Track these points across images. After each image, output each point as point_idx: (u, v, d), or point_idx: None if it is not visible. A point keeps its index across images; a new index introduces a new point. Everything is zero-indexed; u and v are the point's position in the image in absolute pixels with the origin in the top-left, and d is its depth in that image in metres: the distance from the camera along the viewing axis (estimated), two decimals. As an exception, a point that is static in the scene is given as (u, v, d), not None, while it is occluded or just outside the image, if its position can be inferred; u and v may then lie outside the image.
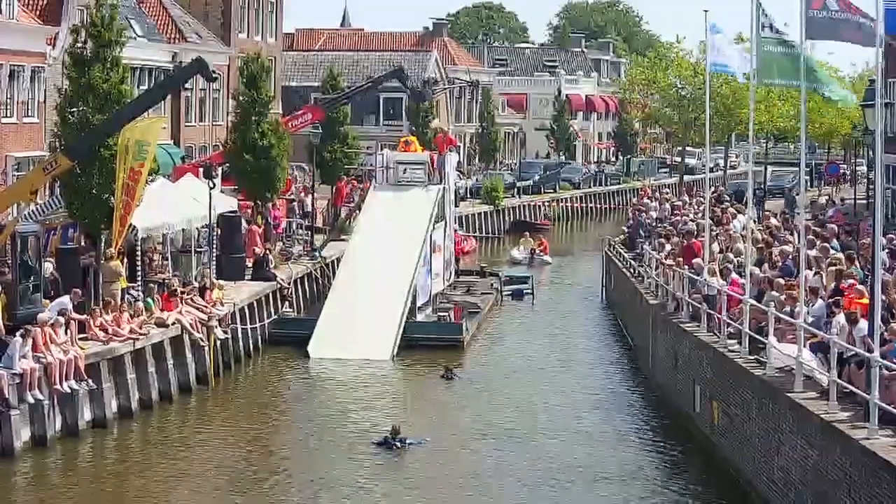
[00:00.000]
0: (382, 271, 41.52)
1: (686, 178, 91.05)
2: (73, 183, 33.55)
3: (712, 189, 58.67)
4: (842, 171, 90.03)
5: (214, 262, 39.59)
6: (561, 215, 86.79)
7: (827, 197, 62.29)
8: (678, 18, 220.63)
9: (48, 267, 33.15)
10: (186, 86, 57.05)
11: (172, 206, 37.94)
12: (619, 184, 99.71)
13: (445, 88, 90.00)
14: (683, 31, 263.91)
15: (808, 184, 77.58)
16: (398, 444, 28.39)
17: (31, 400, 27.66)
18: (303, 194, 56.47)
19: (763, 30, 26.01)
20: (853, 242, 33.35)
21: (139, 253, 35.59)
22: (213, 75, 36.39)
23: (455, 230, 55.48)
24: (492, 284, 51.62)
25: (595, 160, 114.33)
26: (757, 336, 26.09)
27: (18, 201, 36.63)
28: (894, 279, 26.17)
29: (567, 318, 48.87)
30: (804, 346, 23.71)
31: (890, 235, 33.71)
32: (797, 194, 35.20)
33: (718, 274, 31.05)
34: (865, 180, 68.30)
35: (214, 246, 40.10)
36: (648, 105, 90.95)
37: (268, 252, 43.88)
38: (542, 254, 64.64)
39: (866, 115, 24.72)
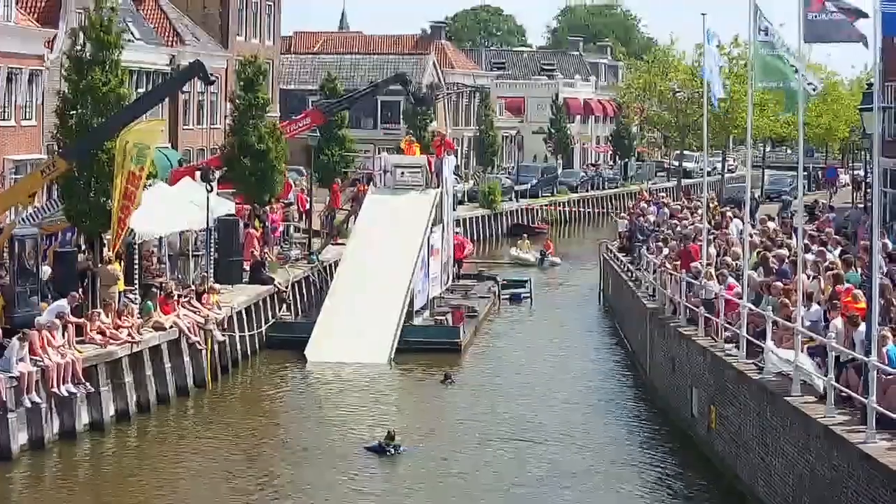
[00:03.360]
0: (380, 275, 41.50)
1: (684, 181, 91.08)
2: (70, 186, 33.54)
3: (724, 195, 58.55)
4: (839, 174, 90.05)
5: (212, 266, 39.61)
6: (559, 219, 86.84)
7: (823, 202, 62.17)
8: (676, 22, 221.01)
9: (46, 270, 33.17)
10: (184, 89, 57.04)
11: (170, 209, 37.93)
12: (616, 187, 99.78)
13: (448, 93, 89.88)
14: (681, 35, 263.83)
15: (806, 188, 77.55)
16: (392, 450, 28.33)
17: (28, 403, 27.62)
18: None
19: (759, 33, 26.02)
20: (851, 246, 33.32)
21: (136, 256, 35.56)
22: (211, 78, 36.44)
23: (457, 233, 55.71)
24: (489, 288, 51.65)
25: (593, 164, 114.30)
26: (754, 340, 26.10)
27: (16, 204, 36.62)
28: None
29: (564, 321, 48.86)
30: (802, 350, 23.70)
31: (885, 241, 33.67)
32: (794, 198, 35.22)
33: (716, 278, 31.04)
34: (863, 184, 68.27)
35: (212, 249, 40.11)
36: (646, 109, 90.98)
37: (265, 255, 43.89)
38: (550, 255, 64.96)
39: (864, 118, 24.74)
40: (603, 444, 30.18)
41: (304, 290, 46.34)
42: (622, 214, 57.31)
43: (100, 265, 33.08)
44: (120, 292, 33.60)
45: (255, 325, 39.68)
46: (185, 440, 30.68)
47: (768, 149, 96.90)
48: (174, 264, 39.94)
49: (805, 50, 25.12)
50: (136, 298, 34.23)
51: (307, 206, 54.20)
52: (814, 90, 27.83)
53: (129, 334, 31.59)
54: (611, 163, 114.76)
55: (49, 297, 31.83)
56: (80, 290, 32.44)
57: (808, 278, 27.32)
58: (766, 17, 26.05)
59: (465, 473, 27.62)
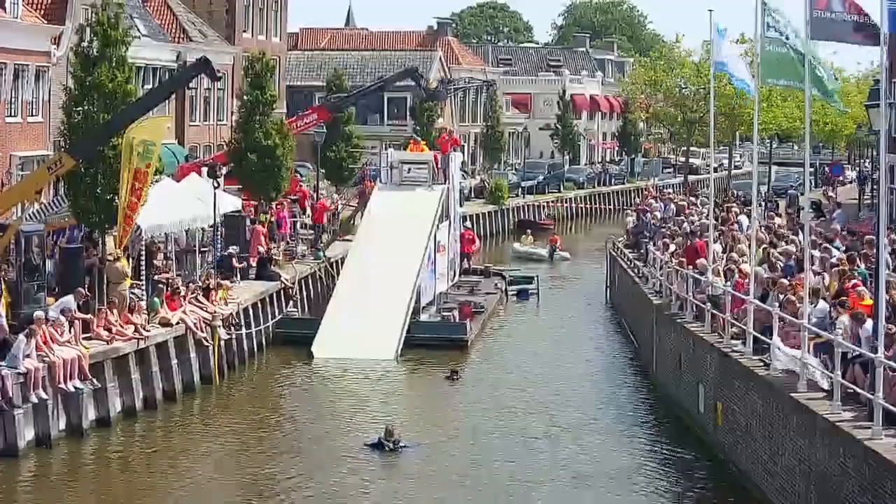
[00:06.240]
0: (386, 271, 41.47)
1: (690, 178, 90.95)
2: (77, 183, 33.56)
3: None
4: (845, 171, 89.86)
5: (218, 262, 39.63)
6: (565, 215, 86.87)
7: (831, 197, 62.01)
8: (683, 18, 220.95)
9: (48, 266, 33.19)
10: (191, 85, 57.09)
11: (176, 205, 37.94)
12: (623, 184, 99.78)
13: (461, 87, 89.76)
14: (688, 31, 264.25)
15: (813, 184, 77.44)
16: (391, 445, 28.33)
17: (35, 399, 27.65)
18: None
19: (768, 30, 25.95)
20: (857, 243, 33.31)
21: (143, 252, 35.55)
22: (217, 74, 36.41)
23: (468, 228, 55.81)
24: (496, 284, 51.64)
25: (599, 160, 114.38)
26: (761, 336, 26.09)
27: (23, 201, 36.66)
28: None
29: (571, 318, 48.85)
30: (808, 350, 23.68)
31: (893, 236, 33.65)
32: (801, 194, 35.14)
33: (722, 274, 31.02)
34: (870, 180, 68.10)
35: (219, 246, 40.12)
36: (652, 105, 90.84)
37: (272, 251, 43.88)
38: (559, 250, 65.09)
39: (871, 115, 24.71)
40: (608, 440, 30.15)
41: (311, 287, 46.35)
42: (629, 212, 57.37)
43: (108, 263, 33.07)
44: (128, 286, 33.58)
45: (261, 321, 39.69)
46: (191, 436, 30.70)
47: (774, 145, 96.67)
48: (180, 261, 39.91)
49: (811, 47, 24.93)
50: (142, 295, 34.22)
51: (306, 204, 53.89)
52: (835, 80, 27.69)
53: (137, 330, 31.63)
54: (617, 159, 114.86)
55: (56, 290, 31.86)
56: (87, 286, 32.42)
57: (815, 275, 27.33)
58: (774, 13, 25.90)
59: (469, 470, 27.59)
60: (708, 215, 36.19)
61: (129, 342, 31.26)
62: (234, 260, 39.97)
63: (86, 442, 28.91)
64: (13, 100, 46.62)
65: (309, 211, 53.09)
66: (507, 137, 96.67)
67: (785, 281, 27.33)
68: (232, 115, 61.07)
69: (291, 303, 42.73)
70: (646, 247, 43.75)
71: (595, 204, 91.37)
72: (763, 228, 36.70)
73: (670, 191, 78.73)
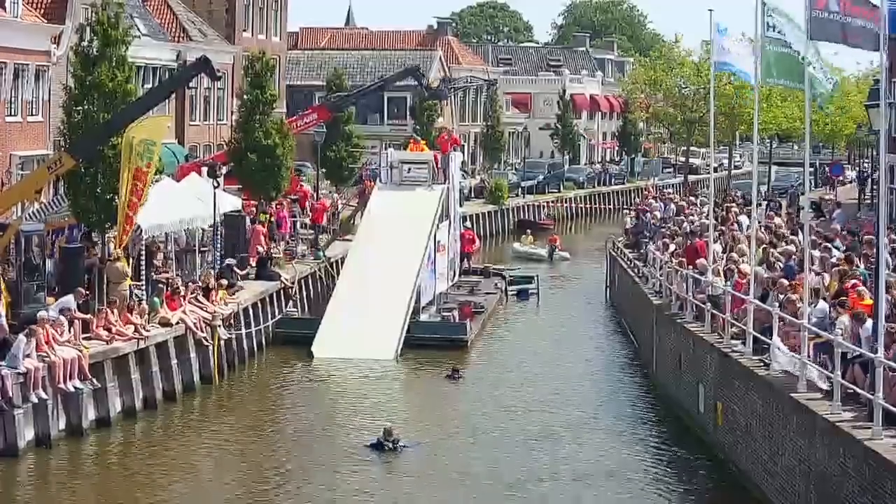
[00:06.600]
0: (386, 271, 41.45)
1: (690, 178, 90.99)
2: (76, 182, 33.55)
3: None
4: (845, 171, 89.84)
5: (218, 262, 39.60)
6: (565, 215, 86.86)
7: (829, 200, 62.05)
8: (683, 17, 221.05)
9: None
10: (191, 85, 57.10)
11: (176, 205, 37.93)
12: (623, 184, 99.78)
13: (462, 87, 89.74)
14: (688, 30, 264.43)
15: (813, 184, 77.45)
16: (390, 444, 28.33)
17: (35, 399, 27.64)
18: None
19: (768, 30, 25.95)
20: (857, 243, 33.32)
21: (143, 252, 35.56)
22: (217, 74, 36.40)
23: (468, 228, 55.80)
24: (496, 284, 51.63)
25: (599, 160, 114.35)
26: (761, 336, 26.09)
27: (23, 200, 36.65)
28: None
29: (571, 318, 48.83)
30: (808, 350, 23.67)
31: (893, 236, 33.65)
32: (801, 193, 35.16)
33: (722, 274, 31.02)
34: (870, 180, 68.13)
35: (219, 245, 40.11)
36: (652, 105, 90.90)
37: (272, 251, 43.86)
38: (559, 250, 65.09)
39: (871, 115, 24.69)
40: (608, 440, 30.14)
41: (311, 287, 46.34)
42: (626, 211, 57.43)
43: (108, 263, 33.06)
44: (129, 286, 33.58)
45: (261, 321, 39.67)
46: (190, 436, 30.68)
47: (774, 145, 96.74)
48: (180, 260, 39.91)
49: (812, 47, 24.93)
50: (142, 294, 34.21)
51: (306, 203, 53.86)
52: (833, 85, 27.67)
53: (136, 330, 31.61)
54: (617, 158, 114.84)
55: (56, 290, 31.86)
56: (87, 286, 32.41)
57: (815, 275, 27.32)
58: (774, 13, 25.89)
59: (469, 469, 27.58)
60: (708, 215, 36.19)
61: (129, 342, 31.25)
62: (234, 268, 39.72)
63: (86, 442, 28.90)
64: (13, 99, 46.63)
65: (309, 210, 53.04)
66: (507, 137, 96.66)
67: (785, 281, 27.32)
68: (232, 114, 61.10)
69: (291, 302, 42.72)
70: (646, 247, 43.74)
71: (595, 204, 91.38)
72: (763, 228, 36.71)
73: (670, 191, 78.72)
